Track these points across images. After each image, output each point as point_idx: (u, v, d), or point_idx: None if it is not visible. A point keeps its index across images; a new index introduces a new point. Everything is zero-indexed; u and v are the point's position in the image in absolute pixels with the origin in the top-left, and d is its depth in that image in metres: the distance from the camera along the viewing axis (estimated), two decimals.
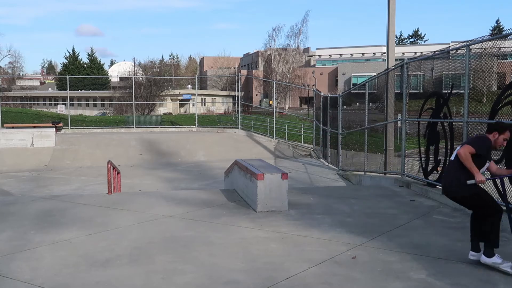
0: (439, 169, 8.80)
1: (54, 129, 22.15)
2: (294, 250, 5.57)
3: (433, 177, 8.97)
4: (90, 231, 6.42)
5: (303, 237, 6.11)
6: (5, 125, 24.39)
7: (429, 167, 9.16)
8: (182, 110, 61.37)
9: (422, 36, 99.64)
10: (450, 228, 6.60)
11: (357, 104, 17.05)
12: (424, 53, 9.22)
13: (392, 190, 9.76)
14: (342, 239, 6.03)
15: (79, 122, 30.02)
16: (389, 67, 12.56)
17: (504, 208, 5.04)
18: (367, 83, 13.42)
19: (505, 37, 7.16)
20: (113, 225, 6.76)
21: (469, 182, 4.78)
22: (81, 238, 6.11)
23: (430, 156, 9.19)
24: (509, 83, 6.82)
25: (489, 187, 6.37)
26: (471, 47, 7.80)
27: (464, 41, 8.03)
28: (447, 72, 8.40)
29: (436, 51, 9.49)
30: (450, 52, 8.92)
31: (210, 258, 5.30)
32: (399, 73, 10.81)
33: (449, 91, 8.60)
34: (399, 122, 11.23)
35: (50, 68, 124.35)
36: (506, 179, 5.65)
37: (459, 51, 8.42)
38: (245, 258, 5.28)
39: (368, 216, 7.34)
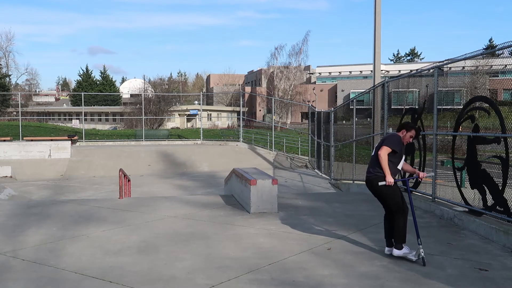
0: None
1: (69, 142, 22.90)
2: (278, 243, 6.23)
3: (409, 184, 9.57)
4: (104, 228, 7.10)
5: (287, 233, 6.77)
6: (24, 138, 25.15)
7: (407, 175, 9.78)
8: (189, 124, 62.17)
9: (418, 54, 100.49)
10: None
11: (349, 119, 17.70)
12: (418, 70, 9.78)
13: (373, 196, 10.37)
14: (321, 235, 6.68)
15: (93, 135, 30.81)
16: (375, 84, 13.24)
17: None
18: (355, 100, 14.09)
19: (471, 58, 7.78)
20: (124, 224, 7.44)
21: (380, 183, 5.48)
22: (96, 233, 6.80)
23: None
24: (469, 100, 7.49)
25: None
26: (464, 65, 8.30)
27: (444, 60, 8.66)
28: (440, 89, 8.89)
29: (418, 69, 10.15)
30: (424, 72, 9.57)
31: (207, 249, 5.97)
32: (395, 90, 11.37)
33: (422, 107, 9.29)
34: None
35: (64, 84, 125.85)
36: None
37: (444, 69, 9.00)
38: (236, 249, 5.95)
39: (347, 217, 7.99)
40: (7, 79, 58.74)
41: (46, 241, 6.35)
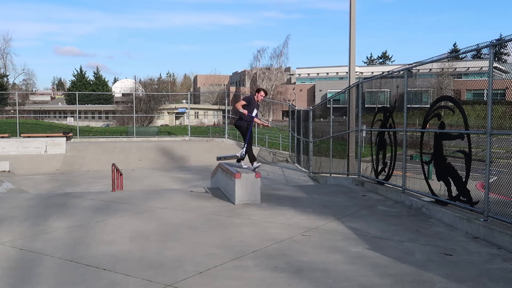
0: (387, 170, 9.52)
1: (64, 138, 22.59)
2: (261, 232, 6.23)
3: (381, 177, 9.68)
4: (98, 219, 7.02)
5: (270, 223, 6.77)
6: (22, 135, 24.74)
7: (379, 169, 9.89)
8: (178, 122, 61.71)
9: (389, 57, 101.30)
10: (388, 216, 7.31)
11: (327, 117, 17.76)
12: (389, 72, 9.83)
13: (349, 188, 10.47)
14: (301, 224, 6.70)
15: (86, 132, 30.41)
16: (350, 84, 13.29)
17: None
18: (331, 99, 14.14)
19: (437, 61, 7.84)
20: (116, 215, 7.36)
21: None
22: (90, 224, 6.72)
23: (379, 160, 9.91)
24: (435, 99, 7.58)
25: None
26: (431, 68, 8.36)
27: (413, 63, 8.73)
28: (410, 89, 8.98)
29: (389, 71, 10.22)
30: (395, 73, 9.64)
31: (194, 238, 5.94)
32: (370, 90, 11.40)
33: (393, 106, 9.37)
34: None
35: (59, 84, 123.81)
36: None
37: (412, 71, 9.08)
38: (222, 238, 5.93)
39: (325, 207, 8.03)
40: (5, 79, 57.64)
41: (43, 231, 6.26)
